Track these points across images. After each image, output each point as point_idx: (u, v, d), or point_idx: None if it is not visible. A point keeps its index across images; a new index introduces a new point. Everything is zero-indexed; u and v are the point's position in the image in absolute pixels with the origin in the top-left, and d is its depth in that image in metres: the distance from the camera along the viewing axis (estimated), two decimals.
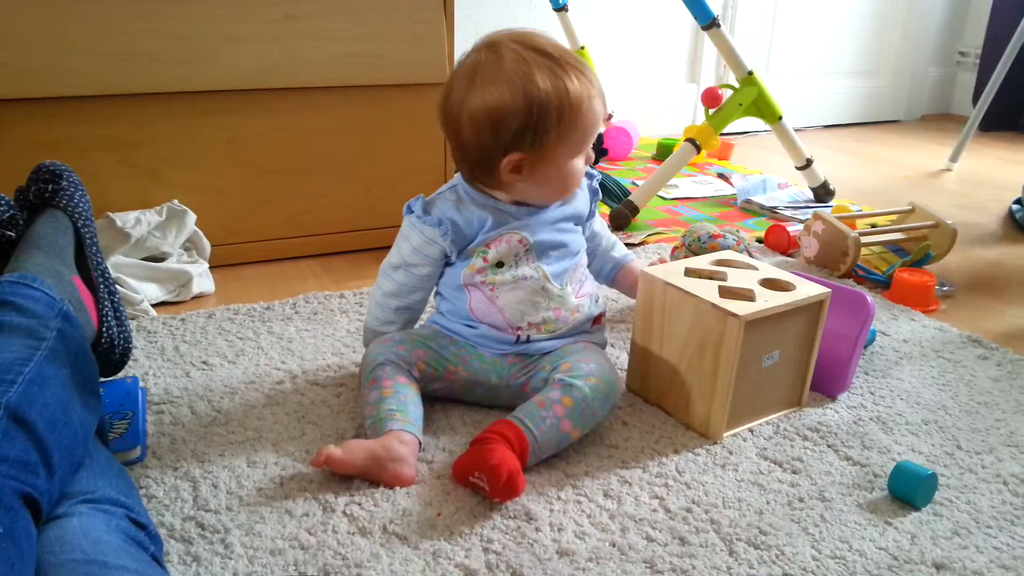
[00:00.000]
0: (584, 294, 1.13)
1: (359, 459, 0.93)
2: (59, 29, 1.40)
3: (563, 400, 0.98)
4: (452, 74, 1.07)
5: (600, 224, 1.26)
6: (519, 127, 1.00)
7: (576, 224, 1.15)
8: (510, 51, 1.02)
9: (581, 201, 1.15)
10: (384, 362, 1.05)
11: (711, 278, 1.10)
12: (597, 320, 1.16)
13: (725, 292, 1.05)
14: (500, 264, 1.08)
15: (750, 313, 1.00)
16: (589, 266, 1.21)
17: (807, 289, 1.09)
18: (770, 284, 1.10)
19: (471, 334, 1.10)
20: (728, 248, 1.45)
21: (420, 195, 1.11)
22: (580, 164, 1.07)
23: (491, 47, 1.04)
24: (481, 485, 0.90)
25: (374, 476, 0.94)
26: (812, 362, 1.14)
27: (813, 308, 1.09)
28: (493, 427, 0.96)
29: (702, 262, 1.16)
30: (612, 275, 1.28)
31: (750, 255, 1.45)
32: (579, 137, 1.04)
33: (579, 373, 1.01)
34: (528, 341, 1.09)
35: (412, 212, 1.10)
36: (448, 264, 1.11)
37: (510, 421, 0.96)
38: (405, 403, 1.01)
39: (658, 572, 0.83)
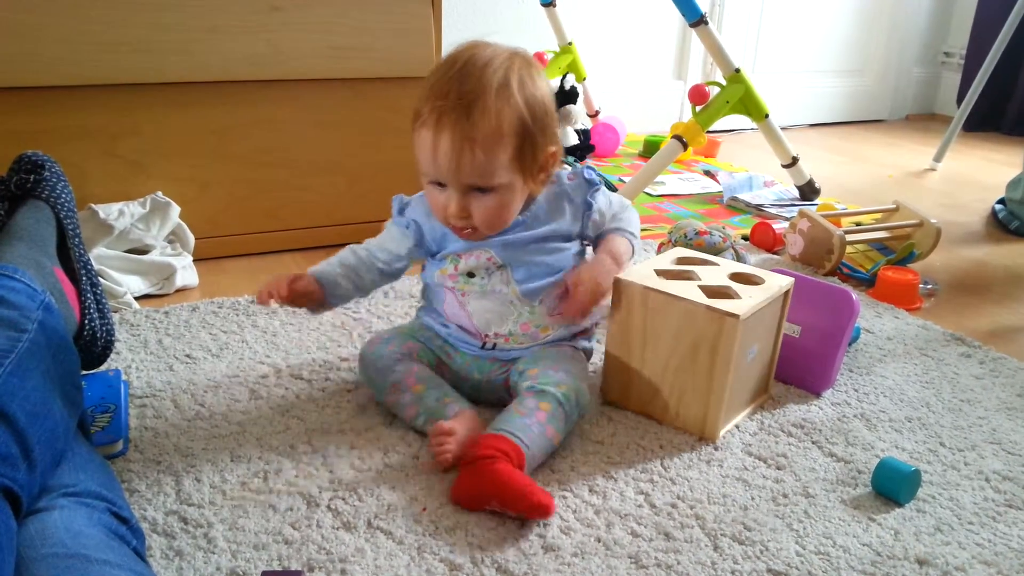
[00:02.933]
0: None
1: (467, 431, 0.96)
2: (40, 18, 1.38)
3: (540, 406, 0.97)
4: None
5: (602, 211, 1.11)
6: None
7: (566, 241, 1.09)
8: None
9: (568, 217, 1.08)
10: (391, 364, 1.05)
11: (682, 278, 1.10)
12: (584, 332, 1.14)
13: (705, 291, 1.05)
14: (471, 274, 1.07)
15: (746, 311, 1.00)
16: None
17: (776, 280, 1.09)
18: (739, 278, 1.10)
19: (444, 332, 1.11)
20: (715, 245, 1.45)
21: (401, 195, 1.12)
22: (435, 195, 0.99)
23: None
24: (507, 511, 0.88)
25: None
26: (777, 351, 1.15)
27: (780, 298, 1.10)
28: (490, 443, 0.91)
29: (665, 261, 1.15)
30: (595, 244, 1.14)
31: (736, 252, 1.46)
32: (422, 164, 0.98)
33: (548, 380, 1.00)
34: (495, 348, 1.09)
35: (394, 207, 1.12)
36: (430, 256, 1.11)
37: (504, 437, 0.93)
38: (443, 386, 1.05)
39: (643, 567, 0.83)
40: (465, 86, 0.92)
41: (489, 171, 0.94)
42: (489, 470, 0.88)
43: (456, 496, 0.91)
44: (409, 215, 1.09)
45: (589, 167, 1.11)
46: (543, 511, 0.87)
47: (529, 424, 0.95)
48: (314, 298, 1.06)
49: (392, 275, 1.12)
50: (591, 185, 1.09)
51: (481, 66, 0.94)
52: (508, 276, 1.06)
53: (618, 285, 1.09)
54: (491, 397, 1.09)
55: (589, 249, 1.15)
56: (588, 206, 1.09)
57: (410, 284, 1.49)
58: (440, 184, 0.98)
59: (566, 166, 1.12)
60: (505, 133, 0.93)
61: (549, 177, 1.03)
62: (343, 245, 1.68)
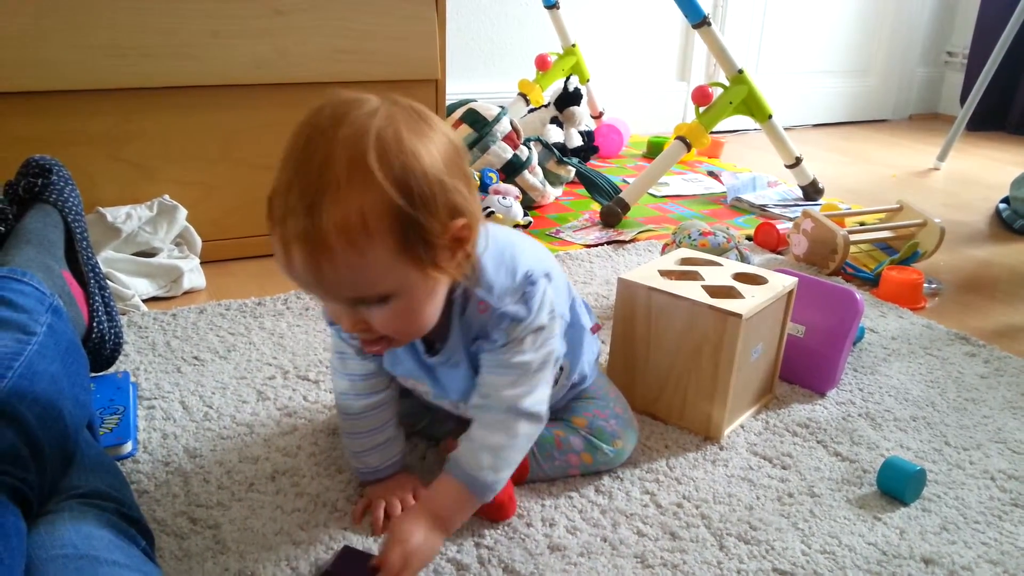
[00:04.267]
0: None
1: None
2: (47, 23, 1.39)
3: (583, 456, 0.96)
4: None
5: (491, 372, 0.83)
6: None
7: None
8: None
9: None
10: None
11: (687, 278, 1.10)
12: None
13: (709, 291, 1.05)
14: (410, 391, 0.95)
15: (749, 311, 1.00)
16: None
17: (779, 280, 1.10)
18: (743, 278, 1.10)
19: None
20: (719, 245, 1.45)
21: None
22: (328, 305, 0.77)
23: None
24: None
25: None
26: (781, 350, 1.15)
27: (784, 297, 1.11)
28: None
29: (669, 262, 1.16)
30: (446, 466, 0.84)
31: (740, 253, 1.46)
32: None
33: (604, 436, 0.96)
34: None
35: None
36: None
37: None
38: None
39: (649, 567, 0.83)
40: (308, 176, 0.67)
41: (365, 282, 0.70)
42: None
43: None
44: (343, 335, 0.87)
45: (505, 312, 0.79)
46: (499, 516, 0.89)
47: (555, 457, 0.95)
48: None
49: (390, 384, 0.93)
50: (507, 325, 0.80)
51: (328, 142, 0.67)
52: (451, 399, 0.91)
53: (623, 286, 1.09)
54: None
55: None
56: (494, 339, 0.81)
57: None
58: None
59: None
60: (372, 231, 0.66)
61: (469, 255, 0.74)
62: None
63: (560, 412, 0.99)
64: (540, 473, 0.95)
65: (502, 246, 0.81)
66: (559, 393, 0.97)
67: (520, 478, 0.94)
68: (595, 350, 1.02)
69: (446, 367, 0.85)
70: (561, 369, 0.94)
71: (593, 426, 0.97)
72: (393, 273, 0.70)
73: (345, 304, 0.73)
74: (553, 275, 0.85)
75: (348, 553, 0.80)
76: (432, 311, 0.77)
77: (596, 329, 1.02)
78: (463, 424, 0.87)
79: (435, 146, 0.70)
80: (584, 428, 0.97)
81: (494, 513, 0.88)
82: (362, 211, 0.66)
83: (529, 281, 0.80)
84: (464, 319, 0.81)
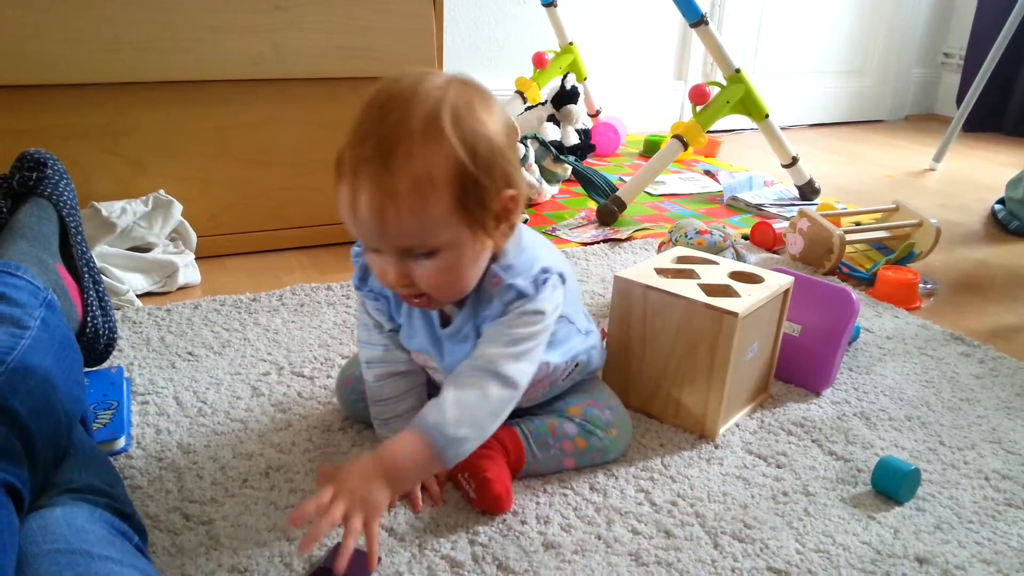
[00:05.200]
0: (536, 384, 0.93)
1: None
2: (43, 17, 1.38)
3: (576, 440, 0.96)
4: None
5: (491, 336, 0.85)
6: None
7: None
8: None
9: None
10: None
11: (683, 276, 1.10)
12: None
13: (705, 289, 1.05)
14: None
15: (745, 309, 1.00)
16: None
17: (776, 279, 1.10)
18: (739, 277, 1.10)
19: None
20: (715, 244, 1.45)
21: (359, 249, 0.91)
22: (373, 261, 0.81)
23: None
24: (467, 490, 0.90)
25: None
26: (777, 349, 1.15)
27: (780, 296, 1.11)
28: (496, 432, 0.88)
29: (665, 260, 1.16)
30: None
31: (737, 252, 1.46)
32: (348, 227, 0.79)
33: (599, 423, 0.97)
34: None
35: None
36: None
37: (515, 433, 0.94)
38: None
39: (643, 564, 0.83)
40: (384, 129, 0.73)
41: (422, 231, 0.75)
42: (477, 451, 0.84)
43: None
44: (373, 284, 0.91)
45: (513, 284, 0.83)
46: (496, 509, 0.89)
47: (550, 445, 0.95)
48: None
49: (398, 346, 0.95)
50: (511, 298, 0.83)
51: (405, 102, 0.74)
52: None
53: (619, 284, 1.09)
54: None
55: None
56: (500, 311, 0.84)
57: None
58: (375, 249, 0.79)
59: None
60: (437, 183, 0.72)
61: (513, 227, 0.81)
62: (345, 244, 1.67)
63: (554, 403, 0.99)
64: (535, 464, 0.95)
65: (528, 239, 0.88)
66: (567, 384, 1.00)
67: (515, 471, 0.94)
68: (603, 353, 1.07)
69: (455, 341, 0.88)
70: (577, 365, 0.99)
71: (588, 414, 0.98)
72: (448, 227, 0.76)
73: (397, 255, 0.77)
74: (568, 280, 0.89)
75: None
76: (473, 274, 0.82)
77: (603, 335, 1.04)
78: None
79: (497, 121, 0.78)
80: (578, 416, 0.97)
81: (491, 505, 0.88)
82: (431, 164, 0.72)
83: (544, 271, 0.85)
84: (478, 293, 0.85)
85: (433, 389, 0.98)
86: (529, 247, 0.87)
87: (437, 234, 0.76)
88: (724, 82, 2.07)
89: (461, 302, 0.86)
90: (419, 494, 0.90)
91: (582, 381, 1.03)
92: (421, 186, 0.72)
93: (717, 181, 2.41)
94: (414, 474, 0.80)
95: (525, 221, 1.89)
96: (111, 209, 1.45)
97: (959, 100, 3.20)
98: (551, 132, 2.36)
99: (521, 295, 0.83)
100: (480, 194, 0.75)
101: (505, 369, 0.81)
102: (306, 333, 1.31)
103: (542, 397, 0.98)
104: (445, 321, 0.89)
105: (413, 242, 0.76)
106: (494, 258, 0.83)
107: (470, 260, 0.80)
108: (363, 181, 0.73)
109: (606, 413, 0.99)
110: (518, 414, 0.96)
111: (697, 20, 1.99)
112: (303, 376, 1.17)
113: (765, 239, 1.83)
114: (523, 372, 0.83)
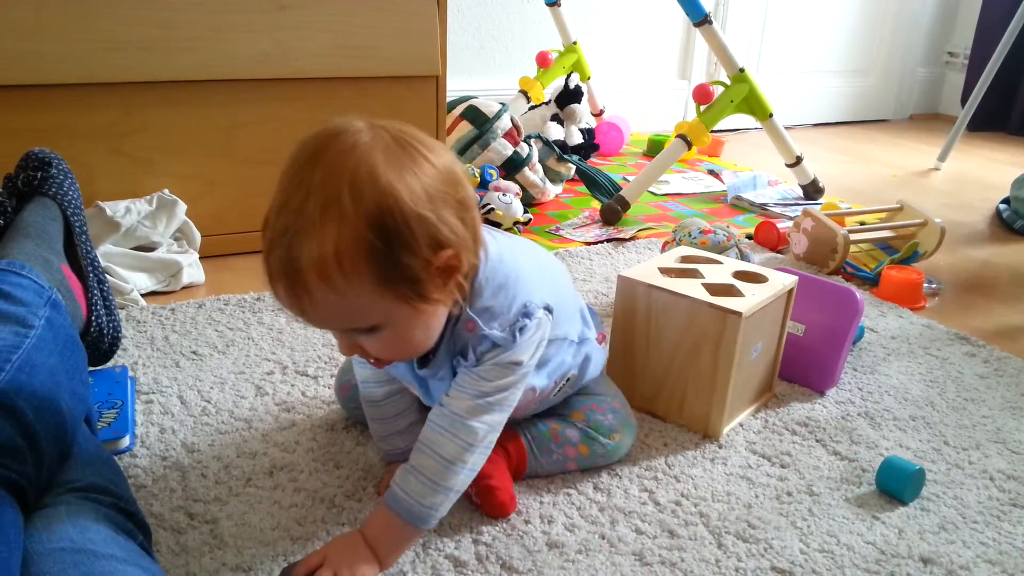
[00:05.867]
0: (528, 402, 0.92)
1: None
2: (48, 16, 1.39)
3: (579, 447, 0.96)
4: None
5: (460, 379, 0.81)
6: None
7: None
8: None
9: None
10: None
11: (687, 276, 1.10)
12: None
13: (709, 289, 1.05)
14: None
15: (748, 309, 1.00)
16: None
17: (780, 279, 1.10)
18: (743, 276, 1.10)
19: None
20: (719, 244, 1.45)
21: None
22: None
23: None
24: (471, 494, 0.89)
25: None
26: (781, 349, 1.15)
27: (784, 296, 1.11)
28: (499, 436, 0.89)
29: (669, 260, 1.16)
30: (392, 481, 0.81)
31: (740, 251, 1.46)
32: None
33: (602, 429, 0.96)
34: None
35: None
36: None
37: (518, 438, 0.94)
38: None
39: (647, 564, 0.83)
40: (289, 208, 0.67)
41: (347, 317, 0.71)
42: None
43: None
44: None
45: (488, 335, 0.78)
46: (499, 513, 0.89)
47: (553, 451, 0.95)
48: None
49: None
50: (485, 348, 0.79)
51: (308, 175, 0.68)
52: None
53: (623, 283, 1.09)
54: None
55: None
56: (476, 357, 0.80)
57: None
58: None
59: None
60: (347, 270, 0.66)
61: (461, 284, 0.73)
62: None
63: (557, 408, 0.99)
64: (537, 469, 0.95)
65: (508, 271, 0.80)
66: (559, 398, 0.98)
67: (518, 474, 0.94)
68: (601, 360, 1.02)
69: (434, 379, 0.85)
70: (568, 380, 0.95)
71: (590, 420, 0.97)
72: (376, 308, 0.70)
73: (338, 331, 0.74)
74: (556, 307, 0.84)
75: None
76: (425, 336, 0.76)
77: (602, 339, 1.02)
78: None
79: (418, 178, 0.68)
80: (581, 422, 0.97)
81: (494, 511, 0.88)
82: (337, 251, 0.65)
83: (524, 313, 0.79)
84: (454, 334, 0.80)
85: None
86: (510, 278, 0.80)
87: (366, 317, 0.71)
88: (728, 81, 2.07)
89: (436, 346, 0.80)
90: None
91: (584, 387, 1.01)
92: (330, 276, 0.66)
93: (721, 181, 2.41)
94: (400, 546, 0.80)
95: (528, 222, 1.89)
96: (115, 208, 1.46)
97: (964, 99, 3.20)
98: (555, 131, 2.36)
99: (497, 345, 0.78)
100: (403, 271, 0.68)
101: (472, 424, 0.78)
102: (310, 332, 1.31)
103: (535, 409, 0.97)
104: (422, 359, 0.84)
105: (342, 326, 0.73)
106: (469, 299, 0.77)
107: (415, 328, 0.74)
108: (275, 270, 0.68)
109: (609, 417, 0.98)
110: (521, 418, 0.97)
111: (701, 19, 1.99)
112: (307, 375, 1.17)
113: (769, 239, 1.83)
114: (493, 423, 0.80)
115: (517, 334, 0.79)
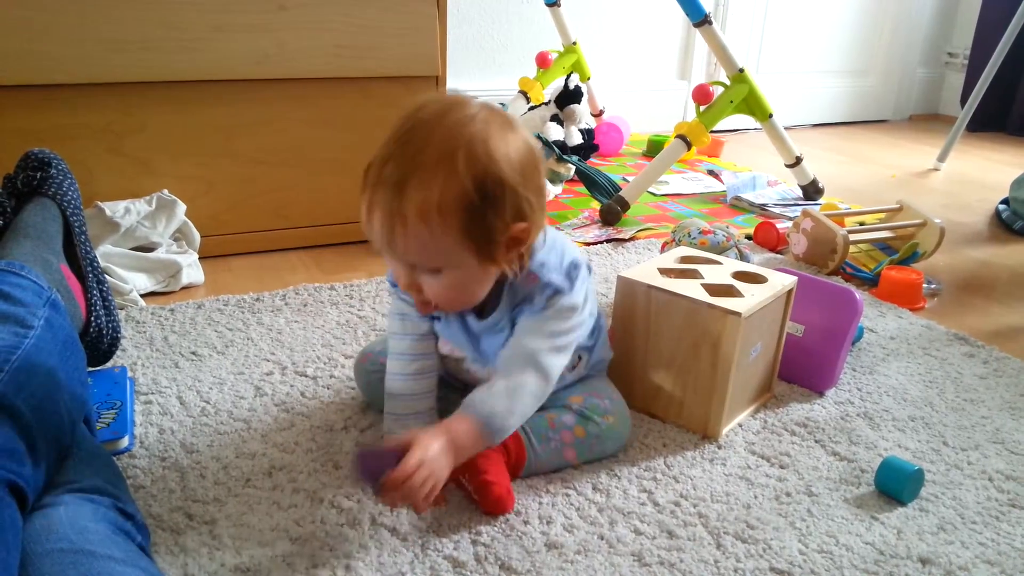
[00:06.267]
0: None
1: None
2: (47, 16, 1.39)
3: (575, 429, 0.97)
4: None
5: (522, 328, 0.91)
6: None
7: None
8: None
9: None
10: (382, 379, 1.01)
11: (686, 276, 1.10)
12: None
13: (708, 289, 1.05)
14: (444, 355, 1.01)
15: (748, 309, 1.00)
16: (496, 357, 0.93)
17: (779, 279, 1.10)
18: (742, 277, 1.10)
19: None
20: (719, 244, 1.45)
21: None
22: (390, 261, 0.86)
23: None
24: (468, 490, 0.90)
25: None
26: (780, 349, 1.15)
27: (783, 296, 1.11)
28: None
29: (669, 260, 1.16)
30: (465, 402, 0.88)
31: (740, 252, 1.46)
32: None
33: (597, 410, 0.98)
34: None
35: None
36: None
37: (515, 431, 0.94)
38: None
39: (646, 565, 0.83)
40: (404, 156, 0.78)
41: (426, 255, 0.81)
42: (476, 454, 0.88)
43: None
44: (401, 294, 0.96)
45: (550, 281, 0.88)
46: (498, 510, 0.89)
47: (551, 437, 0.96)
48: None
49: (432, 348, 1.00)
50: (550, 294, 0.89)
51: (427, 133, 0.79)
52: (483, 365, 0.98)
53: (622, 283, 1.09)
54: None
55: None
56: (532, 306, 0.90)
57: None
58: None
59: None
60: (444, 215, 0.77)
61: (523, 257, 0.86)
62: (349, 244, 1.66)
63: (557, 398, 1.00)
64: (537, 461, 0.95)
65: (555, 237, 0.92)
66: (571, 380, 1.03)
67: (517, 470, 0.94)
68: (606, 355, 1.08)
69: (491, 333, 0.93)
70: (580, 358, 1.02)
71: (587, 402, 0.99)
72: (452, 254, 0.81)
73: (406, 267, 0.84)
74: (590, 273, 0.96)
75: (368, 454, 0.81)
76: (478, 291, 0.88)
77: (613, 335, 1.06)
78: None
79: (517, 156, 0.81)
80: (578, 404, 0.99)
81: (492, 507, 0.88)
82: (441, 198, 0.77)
83: (574, 265, 0.91)
84: (513, 288, 0.90)
85: (447, 388, 1.04)
86: (556, 241, 0.92)
87: (441, 259, 0.81)
88: (728, 82, 2.07)
89: (496, 298, 0.91)
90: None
91: (587, 377, 1.04)
92: (427, 216, 0.77)
93: (720, 181, 2.41)
94: (470, 453, 0.86)
95: None
96: (115, 209, 1.46)
97: (963, 100, 3.20)
98: (554, 132, 2.36)
99: (558, 291, 0.88)
100: (487, 229, 0.80)
101: (545, 361, 0.88)
102: (309, 333, 1.31)
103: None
104: (479, 312, 0.93)
105: (417, 261, 0.82)
106: (527, 256, 0.88)
107: (475, 280, 0.85)
108: (377, 201, 0.79)
109: (605, 402, 1.00)
110: None
111: (701, 20, 1.99)
112: (306, 376, 1.17)
113: (769, 239, 1.83)
114: (558, 366, 0.89)
115: (573, 280, 0.90)
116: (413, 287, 0.85)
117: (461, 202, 0.77)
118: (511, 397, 0.86)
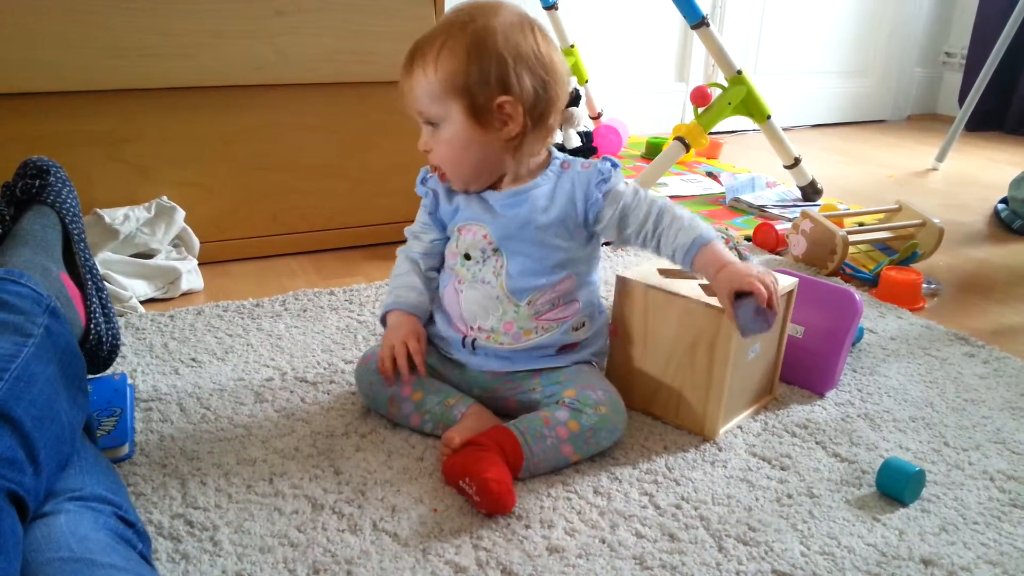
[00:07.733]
0: (556, 318, 1.04)
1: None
2: (46, 24, 1.39)
3: (569, 423, 0.97)
4: None
5: (623, 204, 1.02)
6: None
7: (569, 238, 1.03)
8: None
9: (577, 209, 1.03)
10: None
11: (684, 277, 1.10)
12: (573, 345, 1.07)
13: (706, 290, 1.05)
14: (468, 256, 1.05)
15: None
16: (656, 248, 1.03)
17: (779, 280, 1.09)
18: None
19: (431, 332, 1.09)
20: None
21: (427, 167, 1.09)
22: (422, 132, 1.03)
23: None
24: (470, 493, 0.90)
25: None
26: (781, 351, 1.15)
27: (783, 299, 1.10)
28: (491, 433, 0.95)
29: (667, 261, 1.15)
30: (690, 263, 1.00)
31: (739, 253, 1.46)
32: None
33: (588, 401, 0.99)
34: (474, 349, 1.06)
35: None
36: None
37: (510, 432, 0.95)
38: (442, 389, 1.05)
39: (647, 568, 0.83)
40: (437, 26, 0.98)
41: (425, 99, 0.97)
42: (474, 455, 0.91)
43: (443, 468, 0.96)
44: (430, 184, 1.10)
45: (607, 158, 1.05)
46: (499, 508, 0.89)
47: (546, 435, 0.96)
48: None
49: (438, 255, 1.12)
50: (603, 174, 1.02)
51: (462, 12, 0.98)
52: (502, 265, 1.03)
53: (620, 284, 1.09)
54: (499, 412, 1.06)
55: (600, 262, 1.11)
56: (599, 197, 1.02)
57: None
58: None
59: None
60: (438, 62, 0.95)
61: (514, 138, 0.98)
62: (348, 249, 1.67)
63: (553, 392, 1.02)
64: (534, 460, 0.95)
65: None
66: (569, 339, 1.06)
67: (515, 471, 0.94)
68: (605, 347, 1.13)
69: (507, 202, 1.03)
70: (583, 324, 1.06)
71: (580, 395, 0.99)
72: (445, 106, 0.97)
73: (424, 122, 1.00)
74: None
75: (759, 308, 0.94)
76: (473, 161, 1.01)
77: (613, 332, 1.09)
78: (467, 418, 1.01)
79: (521, 44, 0.97)
80: (572, 397, 0.99)
81: (494, 505, 0.88)
82: (445, 53, 0.95)
83: (613, 164, 1.04)
84: (568, 173, 1.04)
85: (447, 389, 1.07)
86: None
87: (436, 107, 0.97)
88: (726, 83, 2.07)
89: (526, 177, 1.04)
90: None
91: (580, 372, 1.04)
92: (426, 64, 0.96)
93: (719, 183, 2.41)
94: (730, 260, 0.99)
95: None
96: (114, 216, 1.46)
97: (961, 100, 3.20)
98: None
99: (606, 176, 1.02)
100: (471, 88, 0.95)
101: (654, 197, 1.04)
102: (309, 338, 1.31)
103: (551, 338, 1.05)
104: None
105: (420, 108, 0.99)
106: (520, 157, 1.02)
107: (465, 144, 0.99)
108: (409, 56, 0.99)
109: (598, 393, 1.00)
110: (516, 411, 1.02)
111: (698, 22, 1.99)
112: (306, 382, 1.17)
113: (768, 240, 1.83)
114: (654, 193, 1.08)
115: (616, 170, 1.04)
116: (427, 144, 1.01)
117: (455, 54, 0.95)
118: (689, 217, 1.02)
